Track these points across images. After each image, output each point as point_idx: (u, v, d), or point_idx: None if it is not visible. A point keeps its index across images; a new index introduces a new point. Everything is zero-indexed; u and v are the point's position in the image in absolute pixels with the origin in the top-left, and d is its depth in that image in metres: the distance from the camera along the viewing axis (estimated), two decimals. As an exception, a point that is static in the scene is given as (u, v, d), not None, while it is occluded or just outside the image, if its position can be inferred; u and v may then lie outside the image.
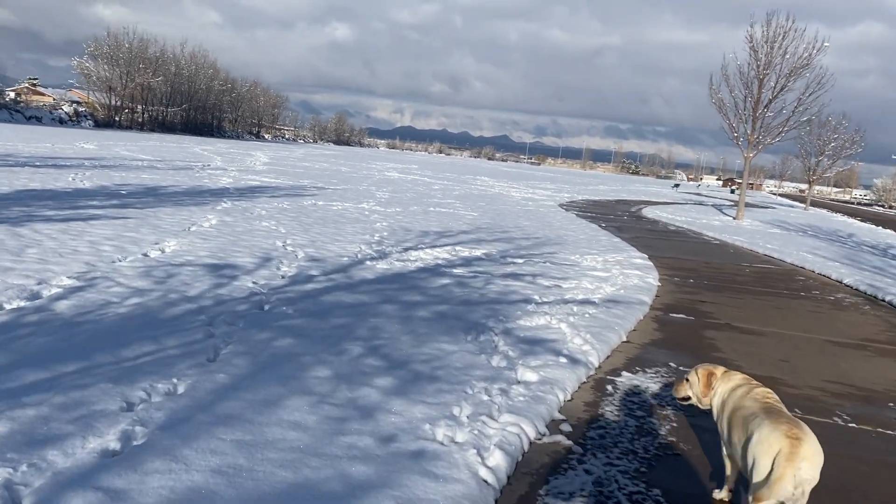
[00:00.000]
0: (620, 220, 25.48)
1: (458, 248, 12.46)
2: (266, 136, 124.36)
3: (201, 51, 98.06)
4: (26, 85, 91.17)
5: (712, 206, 48.24)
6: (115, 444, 3.55)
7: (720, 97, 31.30)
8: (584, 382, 5.72)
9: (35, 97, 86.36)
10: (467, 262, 11.08)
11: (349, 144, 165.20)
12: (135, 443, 3.62)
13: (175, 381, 4.53)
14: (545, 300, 8.52)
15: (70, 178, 17.23)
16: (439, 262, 10.76)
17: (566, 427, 4.72)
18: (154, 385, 4.40)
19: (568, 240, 15.85)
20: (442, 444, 4.02)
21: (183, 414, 4.02)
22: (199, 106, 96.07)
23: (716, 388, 4.03)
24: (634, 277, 11.01)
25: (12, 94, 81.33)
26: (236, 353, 5.25)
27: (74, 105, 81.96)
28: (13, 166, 19.00)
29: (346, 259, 10.12)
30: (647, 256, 14.05)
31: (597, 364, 6.21)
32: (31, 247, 8.34)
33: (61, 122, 74.31)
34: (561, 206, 29.55)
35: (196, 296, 6.89)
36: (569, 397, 5.27)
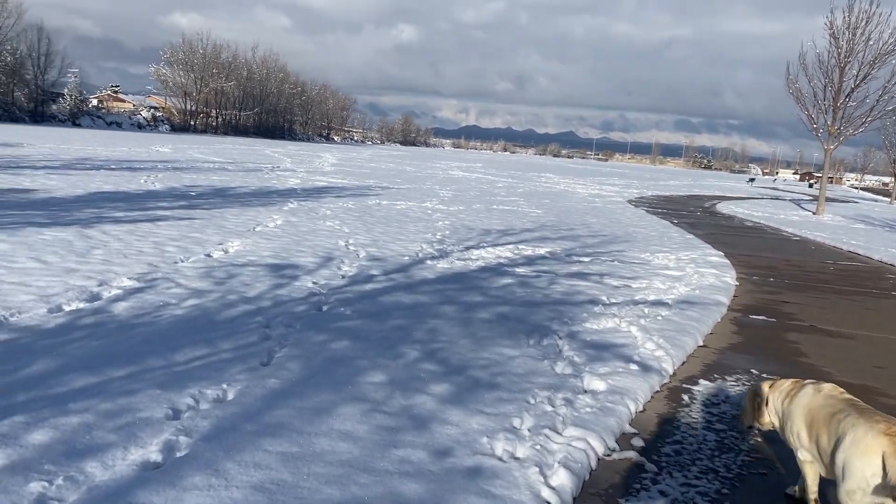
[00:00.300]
0: (693, 216, 24.55)
1: (521, 246, 12.11)
2: (335, 138, 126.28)
3: (272, 55, 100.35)
4: (108, 92, 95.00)
5: (790, 200, 46.21)
6: (156, 456, 3.40)
7: (798, 87, 29.86)
8: (658, 392, 5.31)
9: (116, 103, 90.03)
10: (530, 260, 10.72)
11: (415, 145, 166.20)
12: (177, 454, 3.45)
13: (225, 386, 4.38)
14: (613, 301, 8.09)
15: (142, 181, 17.67)
16: (501, 261, 10.44)
17: (638, 442, 4.34)
18: (203, 391, 4.26)
19: (637, 237, 15.26)
20: (501, 459, 3.72)
21: (229, 423, 3.85)
22: (270, 109, 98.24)
23: (768, 405, 3.78)
24: (710, 276, 10.42)
25: (95, 101, 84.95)
26: (290, 357, 5.08)
27: (152, 110, 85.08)
28: (90, 169, 19.64)
29: (406, 258, 9.92)
30: (723, 254, 13.37)
31: (671, 371, 5.78)
32: (97, 248, 8.45)
33: (140, 126, 77.26)
34: (630, 202, 28.74)
35: (255, 297, 6.78)
36: (640, 408, 4.88)
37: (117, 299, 6.21)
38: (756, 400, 3.83)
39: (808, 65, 29.25)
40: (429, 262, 9.80)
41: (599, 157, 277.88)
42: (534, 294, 8.16)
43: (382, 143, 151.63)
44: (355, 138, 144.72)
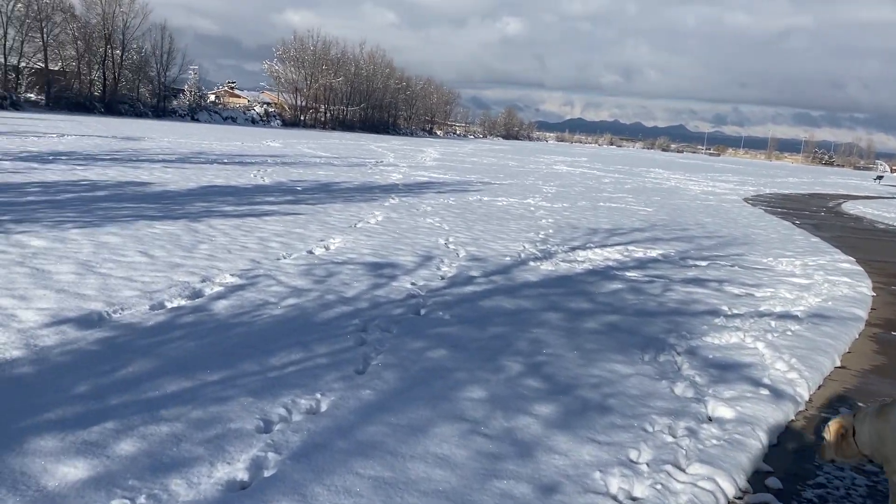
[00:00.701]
0: (817, 216, 22.86)
1: (630, 247, 11.47)
2: (438, 133, 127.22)
3: (379, 51, 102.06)
4: (225, 88, 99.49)
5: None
6: (243, 475, 3.19)
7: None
8: (793, 421, 4.70)
9: (232, 99, 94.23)
10: (642, 263, 10.10)
11: (518, 138, 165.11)
12: (264, 473, 3.24)
13: (319, 396, 4.16)
14: (735, 312, 7.41)
15: (252, 175, 18.12)
16: (610, 263, 9.88)
17: (774, 483, 3.80)
18: (296, 400, 4.06)
19: (758, 239, 14.23)
20: (616, 499, 3.30)
21: (321, 438, 3.62)
22: (376, 104, 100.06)
23: (855, 434, 3.42)
24: (842, 286, 9.47)
25: (212, 97, 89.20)
26: (386, 365, 4.82)
27: (265, 106, 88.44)
28: (204, 163, 20.37)
29: (508, 259, 9.54)
30: (854, 260, 12.21)
31: (806, 397, 5.13)
32: (203, 242, 8.55)
33: (253, 121, 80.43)
34: (746, 200, 27.14)
35: (353, 297, 6.60)
36: (774, 441, 4.31)
37: (218, 297, 6.17)
38: (840, 431, 3.49)
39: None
40: (531, 263, 9.38)
41: (711, 151, 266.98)
42: (646, 302, 7.60)
43: (485, 136, 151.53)
44: (458, 132, 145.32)
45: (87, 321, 5.12)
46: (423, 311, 6.38)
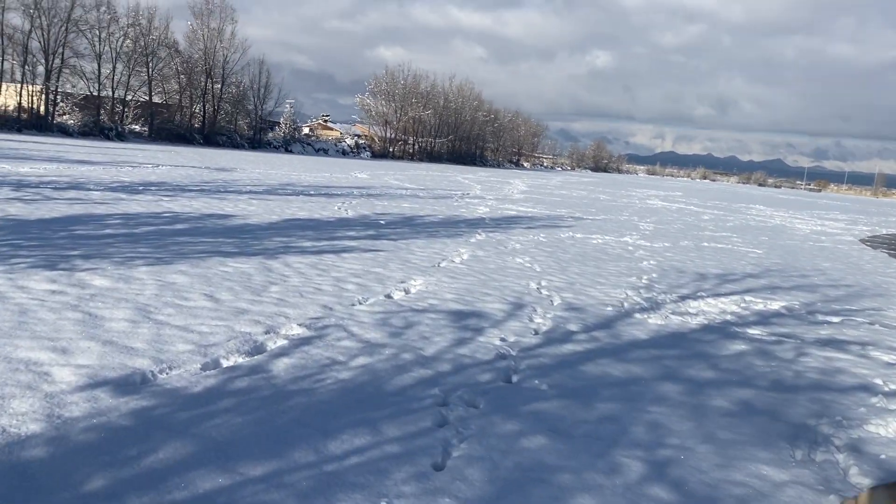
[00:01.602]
0: (950, 261, 20.49)
1: (747, 297, 10.14)
2: (525, 165, 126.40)
3: (467, 83, 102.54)
4: (318, 121, 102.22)
5: None
6: None
7: None
8: None
9: (325, 131, 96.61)
10: (763, 318, 8.80)
11: (607, 171, 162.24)
12: None
13: None
14: (892, 388, 6.08)
15: (336, 208, 17.70)
16: (727, 317, 8.63)
17: None
18: (355, 510, 3.18)
19: (891, 290, 12.53)
20: None
21: (382, 577, 2.71)
22: (464, 136, 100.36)
23: None
24: None
25: (307, 130, 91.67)
26: (471, 458, 3.88)
27: (355, 138, 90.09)
28: (290, 195, 20.17)
29: (609, 309, 8.46)
30: None
31: None
32: (275, 283, 7.90)
33: (344, 153, 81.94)
34: (863, 242, 24.84)
35: (433, 356, 5.72)
36: None
37: (281, 353, 5.40)
38: None
39: None
40: (637, 315, 8.27)
41: (811, 186, 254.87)
42: (780, 370, 6.37)
43: (573, 169, 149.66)
44: (545, 164, 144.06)
45: (127, 384, 4.42)
46: (514, 378, 5.42)
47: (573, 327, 7.32)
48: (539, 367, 5.73)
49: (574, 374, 5.67)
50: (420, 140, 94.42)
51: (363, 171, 42.04)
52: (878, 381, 6.24)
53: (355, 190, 25.12)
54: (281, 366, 5.11)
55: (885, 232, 32.59)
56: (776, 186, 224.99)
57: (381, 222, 15.45)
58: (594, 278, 10.65)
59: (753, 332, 7.95)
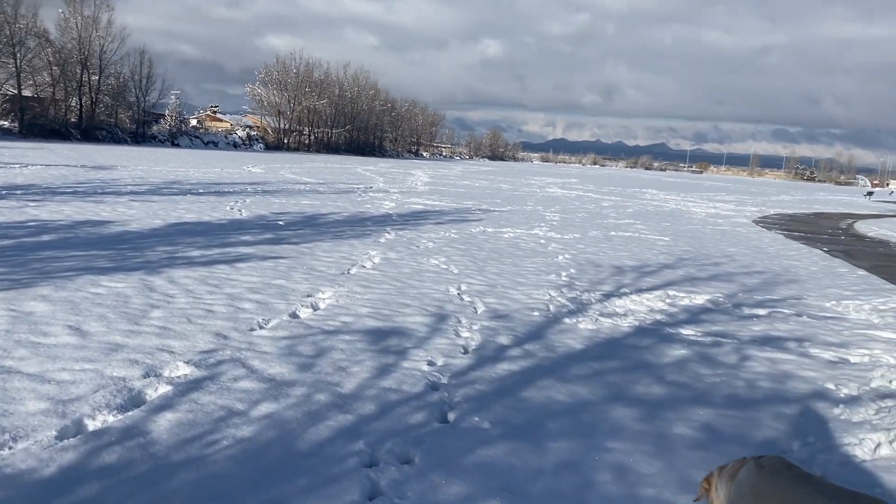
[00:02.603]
0: (837, 239, 21.37)
1: (670, 292, 9.78)
2: (424, 154, 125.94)
3: (363, 72, 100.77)
4: (207, 113, 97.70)
5: (931, 218, 41.40)
6: None
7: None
8: None
9: (214, 123, 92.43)
10: (693, 315, 8.41)
11: (503, 159, 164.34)
12: None
13: None
14: (849, 393, 5.71)
15: (228, 208, 16.32)
16: (658, 317, 8.18)
17: None
18: None
19: (801, 274, 12.61)
20: None
21: None
22: (361, 126, 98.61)
23: (718, 491, 3.04)
24: (943, 342, 7.81)
25: (194, 122, 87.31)
26: (413, 542, 3.06)
27: (247, 129, 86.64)
28: (176, 195, 18.55)
29: (536, 314, 7.82)
30: (922, 300, 10.60)
31: None
32: (157, 306, 6.76)
33: (235, 146, 78.60)
34: (757, 223, 25.66)
35: (353, 394, 4.84)
36: None
37: (163, 405, 4.37)
38: (704, 486, 3.22)
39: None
40: (566, 320, 7.66)
41: (693, 169, 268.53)
42: (730, 381, 5.88)
43: (471, 157, 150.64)
44: (444, 154, 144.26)
45: (-53, 474, 3.32)
46: (451, 416, 4.62)
47: (504, 340, 6.60)
48: (477, 398, 4.95)
49: (516, 403, 4.93)
50: (316, 131, 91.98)
51: (257, 165, 40.10)
52: (831, 386, 5.86)
53: (249, 186, 23.59)
54: (163, 424, 4.08)
55: (772, 212, 34.00)
56: (661, 170, 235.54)
57: (280, 223, 14.27)
58: (514, 278, 10.02)
59: (688, 332, 7.51)
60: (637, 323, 7.78)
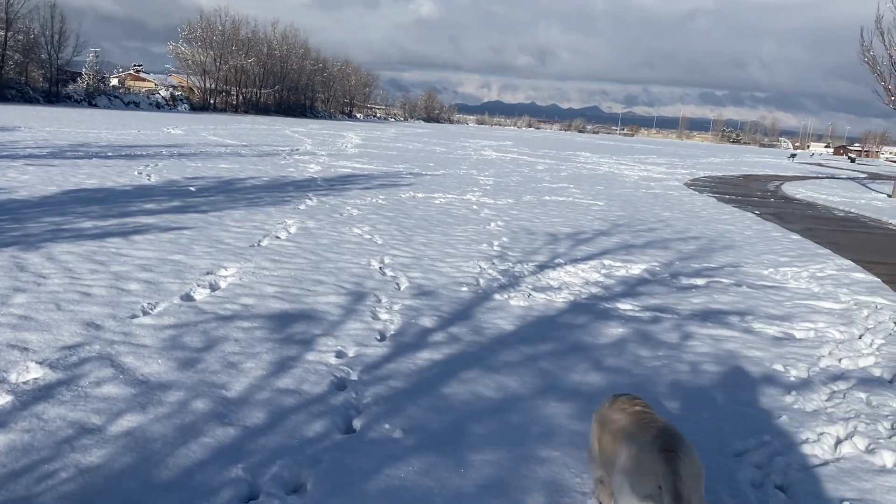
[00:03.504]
0: (767, 202, 21.47)
1: (605, 261, 9.28)
2: (358, 116, 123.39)
3: (292, 31, 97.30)
4: (130, 72, 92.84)
5: (847, 179, 42.75)
6: None
7: (873, 55, 26.78)
8: None
9: (137, 83, 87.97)
10: (630, 288, 7.90)
11: (439, 121, 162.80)
12: None
13: None
14: (798, 376, 5.26)
15: (136, 173, 15.02)
16: (593, 290, 7.64)
17: None
18: None
19: (736, 239, 12.33)
20: None
21: None
22: (291, 87, 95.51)
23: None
24: (885, 311, 7.52)
25: (115, 81, 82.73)
26: None
27: (171, 89, 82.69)
28: (81, 158, 17.05)
29: (465, 290, 7.17)
30: (853, 263, 10.44)
31: None
32: (23, 290, 5.78)
33: (158, 106, 74.99)
34: (688, 186, 25.66)
35: (240, 399, 4.07)
36: None
37: (-6, 424, 3.51)
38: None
39: (885, 30, 26.05)
40: (496, 296, 7.03)
41: (625, 132, 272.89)
42: (673, 364, 5.35)
43: (406, 119, 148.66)
44: (378, 115, 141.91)
45: None
46: (357, 423, 3.91)
47: (427, 322, 5.92)
48: (389, 398, 4.26)
49: (436, 402, 4.26)
50: (244, 91, 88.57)
51: (178, 127, 38.04)
52: (779, 368, 5.40)
53: (164, 149, 22.07)
54: (-13, 452, 3.24)
55: (702, 174, 34.28)
56: (594, 132, 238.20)
57: (191, 189, 13.16)
58: (443, 248, 9.33)
59: (625, 307, 6.98)
60: (572, 298, 7.21)
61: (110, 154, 18.91)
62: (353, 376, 4.58)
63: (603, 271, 8.65)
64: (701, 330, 6.35)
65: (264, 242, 8.75)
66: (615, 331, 6.15)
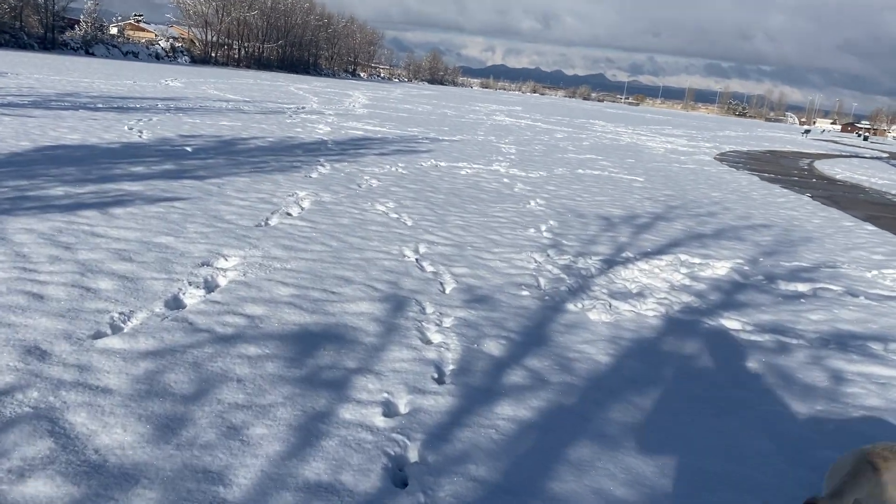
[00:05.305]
0: (809, 182, 19.88)
1: (681, 256, 7.74)
2: (362, 75, 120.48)
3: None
4: (130, 21, 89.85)
5: (871, 158, 41.08)
6: None
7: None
8: None
9: (137, 33, 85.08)
10: (725, 295, 6.38)
11: (443, 83, 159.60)
12: None
13: None
14: None
15: (126, 128, 13.36)
16: (683, 297, 6.11)
17: None
18: None
19: (808, 229, 10.78)
20: None
21: None
22: (295, 42, 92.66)
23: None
24: None
25: (114, 30, 79.93)
26: None
27: (171, 40, 79.98)
28: (66, 109, 15.35)
29: (525, 294, 5.65)
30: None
31: None
32: (-51, 291, 4.24)
33: (157, 57, 72.52)
34: (718, 160, 24.04)
35: (247, 501, 2.56)
36: None
37: None
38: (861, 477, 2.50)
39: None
40: (569, 306, 5.51)
41: (630, 101, 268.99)
42: (844, 426, 3.85)
43: (409, 80, 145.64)
44: (382, 75, 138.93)
45: None
46: (436, 565, 2.41)
47: (493, 348, 4.40)
48: (475, 501, 2.75)
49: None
50: (246, 45, 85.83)
51: (177, 79, 36.04)
52: None
53: (161, 102, 20.32)
54: None
55: (727, 148, 32.57)
56: (599, 100, 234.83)
57: (188, 149, 11.52)
58: (484, 234, 7.78)
59: (733, 326, 5.48)
60: (663, 310, 5.70)
61: (100, 106, 17.18)
62: (413, 454, 3.07)
63: (684, 270, 7.12)
64: (848, 366, 4.84)
65: (273, 221, 7.19)
66: (741, 364, 4.65)
